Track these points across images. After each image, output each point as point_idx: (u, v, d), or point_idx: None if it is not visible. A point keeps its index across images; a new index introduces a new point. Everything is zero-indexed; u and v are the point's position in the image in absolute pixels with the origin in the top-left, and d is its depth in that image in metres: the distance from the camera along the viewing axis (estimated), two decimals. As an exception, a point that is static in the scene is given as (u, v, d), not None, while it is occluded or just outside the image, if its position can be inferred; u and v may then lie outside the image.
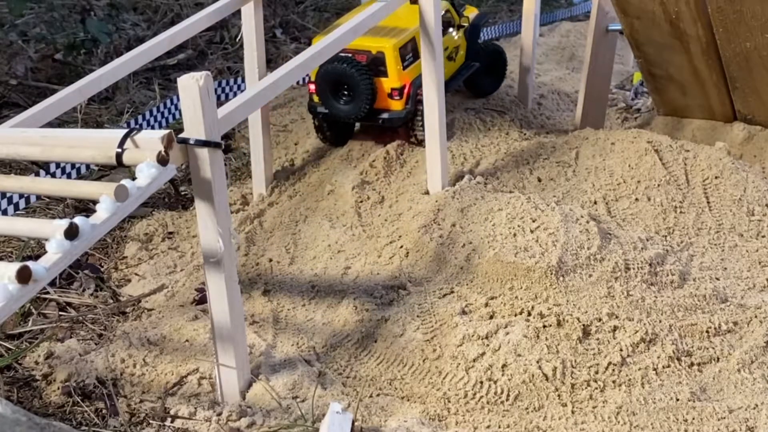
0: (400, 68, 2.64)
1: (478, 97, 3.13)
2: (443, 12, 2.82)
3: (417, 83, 2.63)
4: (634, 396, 1.86)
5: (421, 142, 2.66)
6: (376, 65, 2.63)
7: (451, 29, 2.89)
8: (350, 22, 2.20)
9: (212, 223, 1.73)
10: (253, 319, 2.20)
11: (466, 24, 2.95)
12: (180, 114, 2.94)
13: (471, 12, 3.05)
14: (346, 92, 2.65)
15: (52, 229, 1.46)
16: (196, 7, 4.28)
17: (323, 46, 2.07)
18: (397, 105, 2.66)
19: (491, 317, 2.06)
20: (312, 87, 2.71)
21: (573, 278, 2.09)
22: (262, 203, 2.74)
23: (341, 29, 2.16)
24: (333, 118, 2.75)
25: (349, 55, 2.61)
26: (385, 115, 2.67)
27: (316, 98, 2.73)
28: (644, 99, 3.58)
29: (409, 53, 2.67)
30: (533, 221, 2.23)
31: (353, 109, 2.64)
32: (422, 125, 2.57)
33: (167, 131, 1.64)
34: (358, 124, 2.91)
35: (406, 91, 2.64)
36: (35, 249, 2.46)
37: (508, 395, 1.87)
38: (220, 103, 1.77)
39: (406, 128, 2.73)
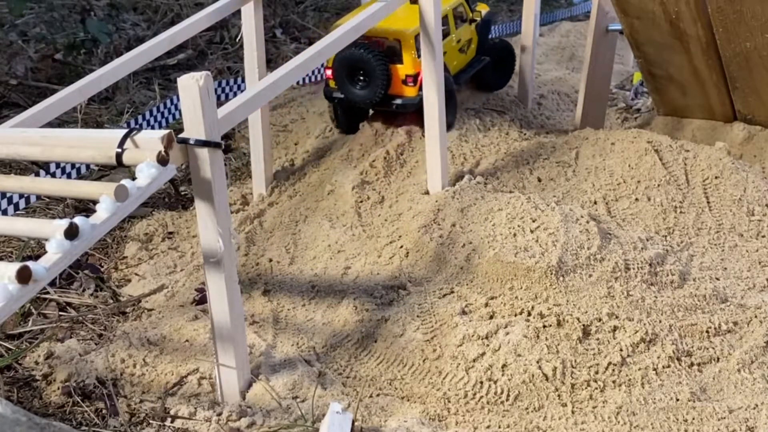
0: (416, 56, 2.68)
1: (485, 92, 3.18)
2: (456, 6, 2.90)
3: None
4: (634, 396, 1.86)
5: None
6: (392, 52, 2.69)
7: (457, 27, 2.93)
8: (350, 22, 2.21)
9: (212, 223, 1.73)
10: (253, 319, 2.19)
11: (478, 18, 3.02)
12: (180, 114, 2.94)
13: (483, 8, 3.12)
14: (362, 77, 2.71)
15: (52, 229, 1.46)
16: (196, 7, 4.28)
17: (322, 46, 2.07)
18: (410, 91, 2.71)
19: (491, 317, 2.05)
20: (329, 72, 2.77)
21: (573, 278, 2.09)
22: (262, 203, 2.74)
23: (341, 29, 2.16)
24: (348, 102, 2.81)
25: (366, 41, 2.67)
26: (398, 101, 2.73)
27: (332, 83, 2.79)
28: (644, 99, 3.58)
29: None
30: (533, 221, 2.23)
31: (368, 94, 2.71)
32: None
33: (167, 131, 1.64)
34: (370, 111, 2.96)
35: (420, 78, 2.68)
36: (35, 249, 2.46)
37: (508, 395, 1.87)
38: (220, 103, 1.77)
39: (418, 114, 2.76)
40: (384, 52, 2.68)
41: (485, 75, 3.14)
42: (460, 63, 2.97)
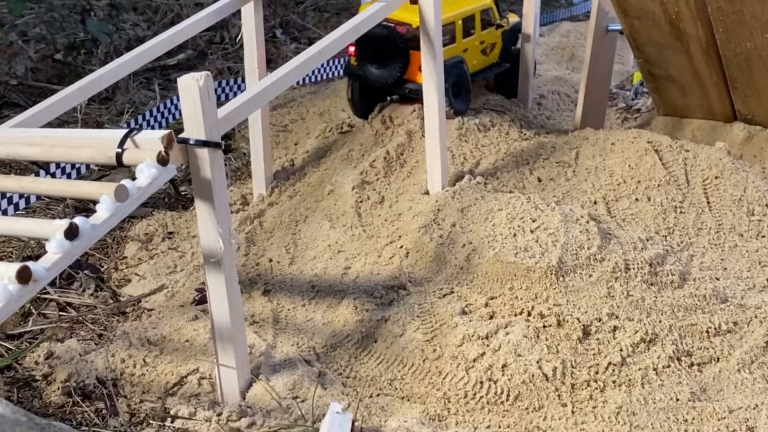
0: None
1: (502, 95, 3.26)
2: (485, 9, 3.01)
3: (447, 63, 2.78)
4: (634, 396, 1.86)
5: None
6: (414, 38, 2.73)
7: (483, 29, 3.02)
8: (351, 22, 2.21)
9: (212, 223, 1.73)
10: (253, 319, 2.19)
11: (504, 24, 3.10)
12: (180, 114, 2.94)
13: (513, 18, 3.21)
14: (381, 58, 2.81)
15: (52, 229, 1.46)
16: (196, 7, 4.28)
17: (322, 47, 2.08)
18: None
19: (491, 317, 2.05)
20: (352, 49, 2.87)
21: (573, 278, 2.09)
22: (262, 203, 2.74)
23: (341, 29, 2.16)
24: (365, 80, 2.90)
25: (391, 24, 2.75)
26: (411, 86, 2.82)
27: (353, 61, 2.89)
28: (644, 99, 3.58)
29: (448, 35, 2.83)
30: (533, 221, 2.23)
31: (384, 74, 2.81)
32: (449, 101, 2.79)
33: (167, 131, 1.64)
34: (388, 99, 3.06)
35: None
36: (35, 249, 2.46)
37: (508, 395, 1.87)
38: (220, 104, 1.77)
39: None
40: (406, 37, 2.74)
41: (505, 81, 3.22)
42: (480, 63, 3.06)
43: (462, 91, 2.89)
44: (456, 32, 2.88)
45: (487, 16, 3.02)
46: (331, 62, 3.74)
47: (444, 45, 2.80)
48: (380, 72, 2.81)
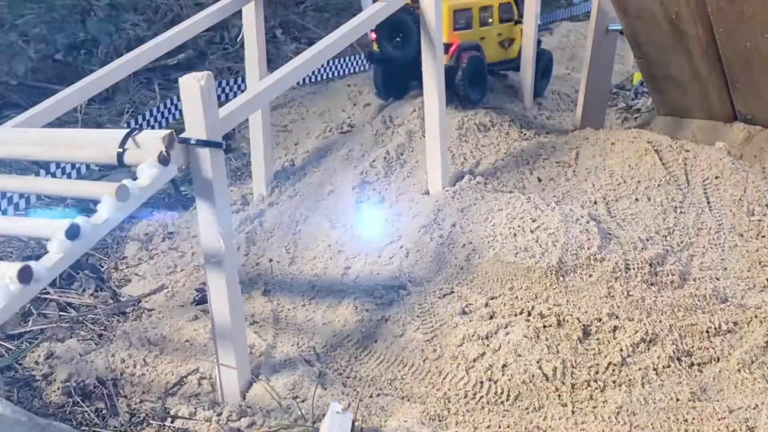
0: (452, 28, 2.92)
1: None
2: (503, 2, 3.13)
3: (464, 46, 2.94)
4: (634, 396, 1.86)
5: (461, 98, 2.97)
6: None
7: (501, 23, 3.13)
8: (350, 23, 2.21)
9: (213, 222, 1.73)
10: (253, 319, 2.19)
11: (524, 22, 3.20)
12: (180, 114, 2.95)
13: None
14: (399, 38, 2.94)
15: (53, 229, 1.46)
16: (196, 7, 4.28)
17: (322, 47, 2.08)
18: None
19: (491, 317, 2.05)
20: (373, 35, 3.00)
21: (573, 278, 2.09)
22: (262, 203, 2.74)
23: (342, 29, 2.16)
24: (387, 65, 3.04)
25: (411, 7, 2.83)
26: None
27: (375, 47, 3.03)
28: (644, 99, 3.58)
29: (464, 20, 3.00)
30: (533, 221, 2.23)
31: (403, 54, 2.94)
32: (462, 84, 2.92)
33: (168, 131, 1.64)
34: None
35: (452, 48, 2.93)
36: (35, 249, 2.46)
37: (508, 395, 1.87)
38: (220, 104, 1.77)
39: (447, 80, 2.85)
40: None
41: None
42: (498, 55, 3.18)
43: (478, 79, 2.95)
44: (473, 19, 3.00)
45: (506, 11, 3.12)
46: (331, 62, 3.74)
47: (460, 29, 2.98)
48: (398, 52, 2.92)
